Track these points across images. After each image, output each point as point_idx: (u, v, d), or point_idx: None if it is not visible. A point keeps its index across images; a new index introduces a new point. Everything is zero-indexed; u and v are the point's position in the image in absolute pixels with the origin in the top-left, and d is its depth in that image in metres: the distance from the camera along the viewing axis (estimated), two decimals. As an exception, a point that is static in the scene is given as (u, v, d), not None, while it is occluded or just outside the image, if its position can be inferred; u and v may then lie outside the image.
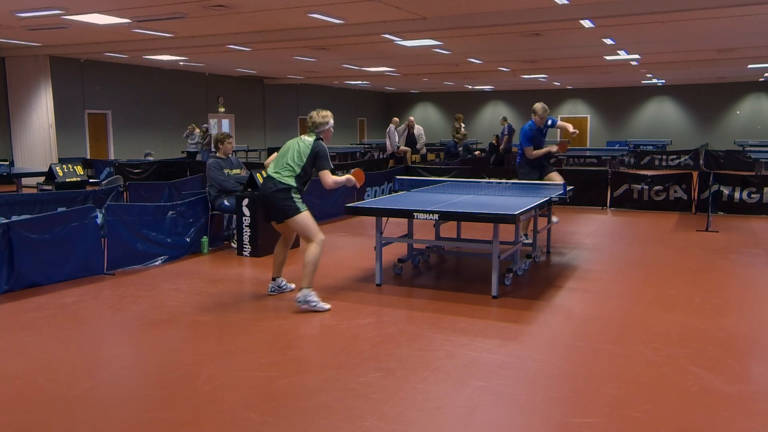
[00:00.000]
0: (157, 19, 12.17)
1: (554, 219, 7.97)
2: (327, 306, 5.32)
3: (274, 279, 5.84)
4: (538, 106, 8.03)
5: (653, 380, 3.86)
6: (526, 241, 7.38)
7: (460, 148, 17.45)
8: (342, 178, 5.47)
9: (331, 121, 5.52)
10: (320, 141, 5.44)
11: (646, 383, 3.82)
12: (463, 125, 18.79)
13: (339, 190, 10.80)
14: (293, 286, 5.87)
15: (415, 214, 5.66)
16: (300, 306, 5.25)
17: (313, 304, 5.26)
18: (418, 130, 16.26)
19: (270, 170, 5.44)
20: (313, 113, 5.50)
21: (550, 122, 8.20)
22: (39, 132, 16.76)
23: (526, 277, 6.55)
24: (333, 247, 8.05)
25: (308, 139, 5.40)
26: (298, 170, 5.30)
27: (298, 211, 5.27)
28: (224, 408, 3.50)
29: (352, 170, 5.65)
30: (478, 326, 4.89)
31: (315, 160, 5.33)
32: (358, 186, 5.59)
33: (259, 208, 5.63)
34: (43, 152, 16.62)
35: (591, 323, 5.02)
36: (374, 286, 6.13)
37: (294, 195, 5.29)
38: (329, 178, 5.37)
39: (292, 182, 5.30)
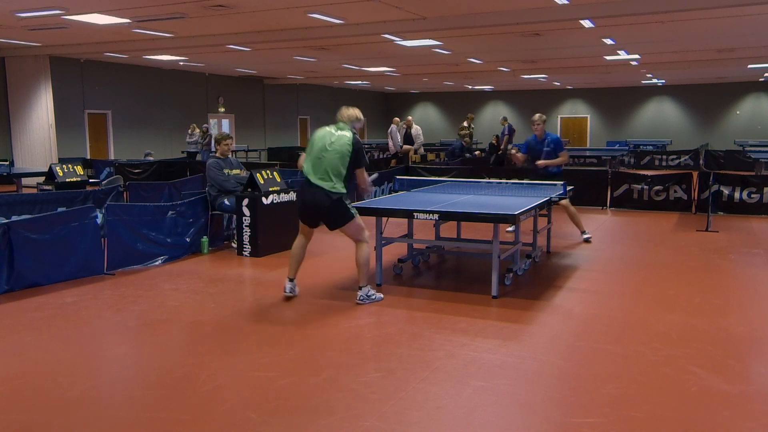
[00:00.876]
0: (157, 19, 12.17)
1: (586, 235, 7.86)
2: (381, 295, 5.61)
3: (291, 279, 5.67)
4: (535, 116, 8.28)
5: (653, 380, 3.86)
6: (509, 230, 7.43)
7: (468, 155, 17.10)
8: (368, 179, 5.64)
9: (363, 119, 5.62)
10: (358, 138, 5.38)
11: (646, 383, 3.82)
12: (473, 126, 18.73)
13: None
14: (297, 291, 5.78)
15: (415, 214, 5.66)
16: (363, 303, 5.43)
17: (374, 297, 5.51)
18: (415, 130, 16.26)
19: (312, 177, 5.27)
20: (350, 109, 5.49)
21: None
22: (39, 132, 16.76)
23: (526, 277, 6.55)
24: (333, 247, 8.04)
25: (346, 135, 5.29)
26: (345, 173, 5.26)
27: (352, 217, 5.32)
28: (224, 408, 3.50)
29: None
30: (478, 326, 4.89)
31: (356, 158, 5.28)
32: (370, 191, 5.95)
33: (300, 209, 5.49)
34: (43, 152, 16.62)
35: (591, 323, 5.02)
36: (374, 286, 6.12)
37: (347, 201, 5.31)
38: (365, 174, 5.48)
39: (344, 189, 5.27)
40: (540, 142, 8.32)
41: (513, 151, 8.49)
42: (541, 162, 8.30)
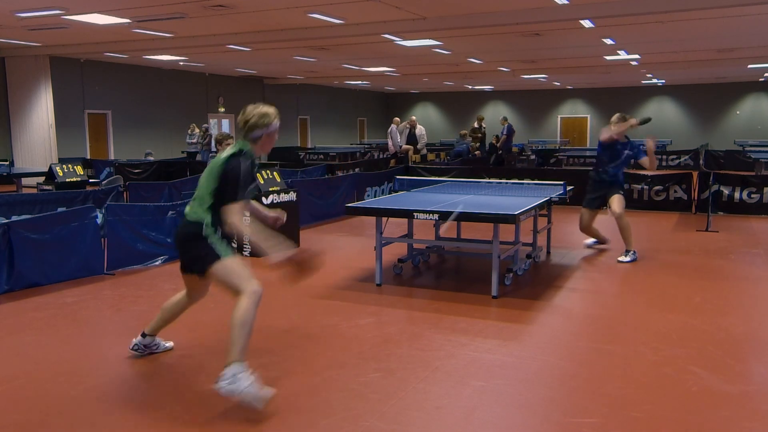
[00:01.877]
0: (157, 19, 12.17)
1: (627, 258, 7.22)
2: (258, 392, 3.40)
3: (144, 335, 4.23)
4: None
5: (653, 380, 3.86)
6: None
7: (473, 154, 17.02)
8: (268, 213, 4.09)
9: (276, 123, 3.74)
10: (237, 158, 3.61)
11: (646, 383, 3.82)
12: (484, 126, 18.69)
13: (340, 189, 10.80)
14: (170, 344, 4.40)
15: (415, 214, 5.66)
16: (221, 392, 3.38)
17: (240, 389, 3.33)
18: (419, 130, 16.28)
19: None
20: (249, 107, 3.74)
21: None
22: (39, 132, 16.76)
23: (526, 277, 6.55)
24: (333, 247, 8.05)
25: (222, 156, 3.69)
26: (211, 201, 3.65)
27: (218, 256, 3.64)
28: (224, 408, 3.50)
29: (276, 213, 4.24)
30: (478, 326, 4.89)
31: (224, 184, 3.59)
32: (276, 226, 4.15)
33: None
34: (43, 152, 16.62)
35: (591, 323, 5.02)
36: (374, 286, 6.12)
37: (213, 235, 3.68)
38: (234, 213, 3.54)
39: (208, 218, 3.66)
40: (622, 143, 7.91)
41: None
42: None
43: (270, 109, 3.74)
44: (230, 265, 3.66)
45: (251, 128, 3.69)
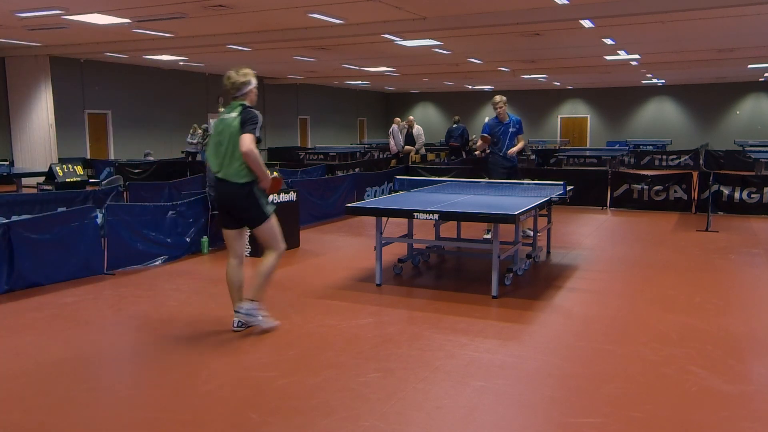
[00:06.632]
0: (157, 19, 12.17)
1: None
2: (274, 323, 4.74)
3: (237, 311, 4.72)
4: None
5: (653, 380, 3.86)
6: (530, 233, 7.39)
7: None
8: (263, 164, 4.55)
9: (254, 81, 4.65)
10: (248, 109, 4.53)
11: (646, 383, 3.82)
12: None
13: (340, 189, 10.80)
14: (272, 322, 4.86)
15: (415, 214, 5.66)
16: (240, 330, 4.67)
17: (257, 319, 4.62)
18: (417, 130, 16.26)
19: (217, 171, 4.60)
20: (231, 72, 4.60)
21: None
22: (39, 132, 16.76)
23: (526, 277, 6.55)
24: (333, 247, 8.05)
25: (233, 115, 4.50)
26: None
27: (266, 217, 4.60)
28: (224, 408, 3.50)
29: (273, 176, 4.77)
30: (478, 326, 4.89)
31: (243, 126, 4.43)
32: (268, 193, 4.72)
33: (219, 212, 4.81)
34: (43, 152, 16.61)
35: (591, 323, 5.02)
36: (374, 286, 6.12)
37: (258, 193, 4.56)
38: (249, 142, 4.37)
39: (250, 176, 4.52)
40: (503, 123, 8.32)
41: (479, 142, 8.38)
42: (512, 150, 8.27)
43: (248, 69, 4.65)
44: (273, 225, 4.68)
45: (241, 86, 4.58)
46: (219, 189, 4.66)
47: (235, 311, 4.67)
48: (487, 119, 8.87)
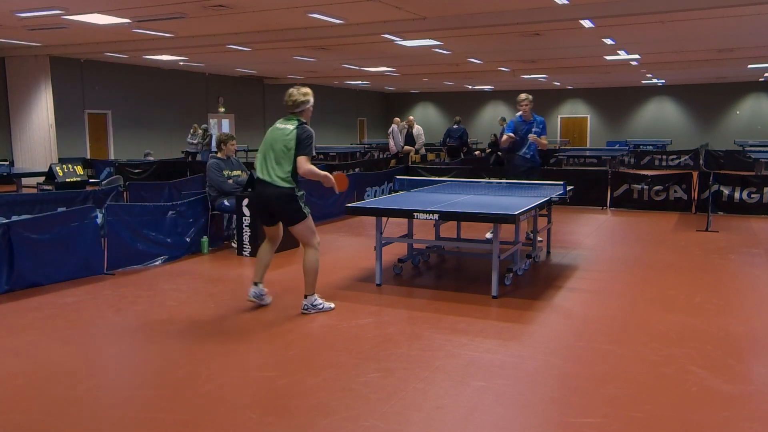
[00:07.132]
0: (157, 19, 12.17)
1: None
2: (332, 305, 5.34)
3: (255, 284, 5.36)
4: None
5: (653, 380, 3.86)
6: (531, 237, 7.37)
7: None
8: (321, 171, 5.06)
9: (312, 100, 5.12)
10: (304, 125, 5.02)
11: (646, 383, 3.82)
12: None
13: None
14: (270, 300, 5.50)
15: (415, 214, 5.65)
16: (309, 312, 5.20)
17: (321, 307, 5.26)
18: (417, 130, 16.26)
19: (261, 174, 5.06)
20: (293, 90, 5.08)
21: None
22: (39, 132, 16.76)
23: (526, 277, 6.54)
24: (333, 247, 8.05)
25: (288, 127, 4.99)
26: (291, 167, 4.95)
27: (304, 216, 5.05)
28: (224, 408, 3.50)
29: (335, 173, 5.28)
30: (478, 326, 4.89)
31: (299, 147, 4.92)
32: (337, 191, 5.30)
33: (256, 208, 5.39)
34: (43, 152, 16.62)
35: (591, 323, 5.02)
36: (374, 286, 6.12)
37: (299, 197, 5.02)
38: (306, 164, 4.93)
39: (293, 183, 4.99)
40: (528, 123, 8.14)
41: (504, 137, 8.18)
42: (532, 136, 8.01)
43: (308, 89, 5.12)
44: (309, 224, 5.11)
45: (300, 104, 5.05)
46: (260, 190, 5.10)
47: (303, 309, 5.23)
48: (500, 119, 8.73)
